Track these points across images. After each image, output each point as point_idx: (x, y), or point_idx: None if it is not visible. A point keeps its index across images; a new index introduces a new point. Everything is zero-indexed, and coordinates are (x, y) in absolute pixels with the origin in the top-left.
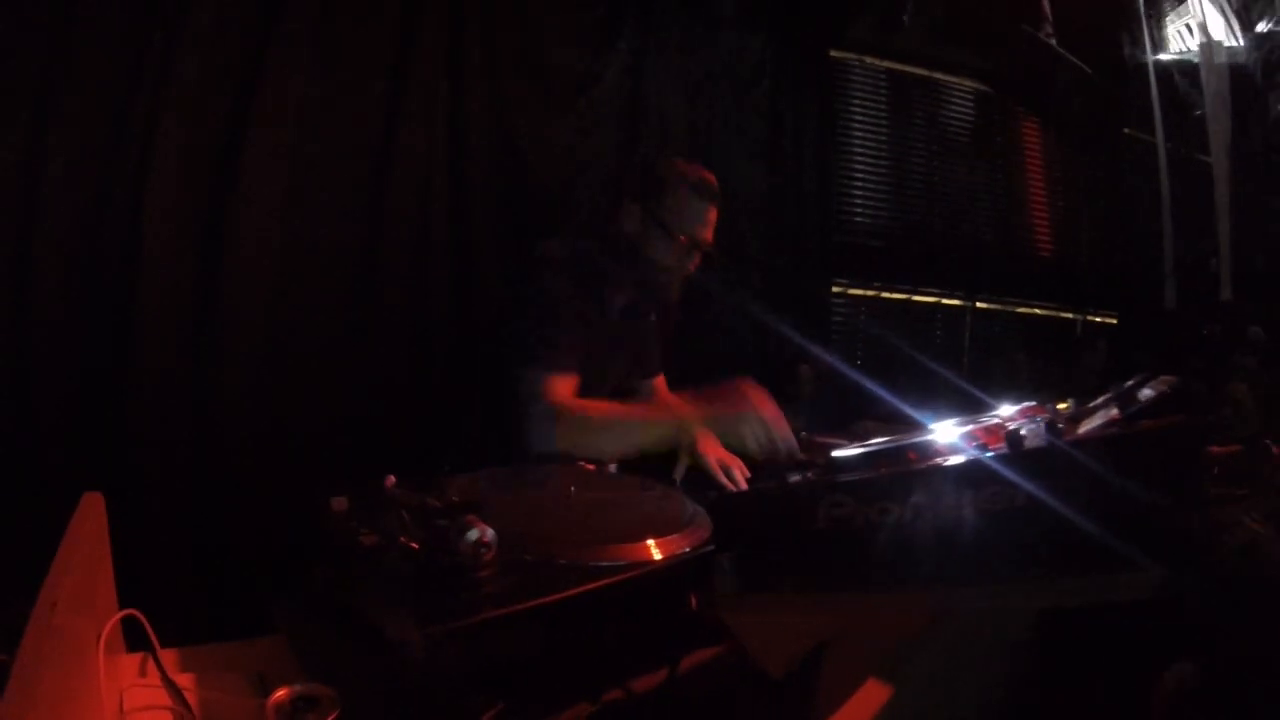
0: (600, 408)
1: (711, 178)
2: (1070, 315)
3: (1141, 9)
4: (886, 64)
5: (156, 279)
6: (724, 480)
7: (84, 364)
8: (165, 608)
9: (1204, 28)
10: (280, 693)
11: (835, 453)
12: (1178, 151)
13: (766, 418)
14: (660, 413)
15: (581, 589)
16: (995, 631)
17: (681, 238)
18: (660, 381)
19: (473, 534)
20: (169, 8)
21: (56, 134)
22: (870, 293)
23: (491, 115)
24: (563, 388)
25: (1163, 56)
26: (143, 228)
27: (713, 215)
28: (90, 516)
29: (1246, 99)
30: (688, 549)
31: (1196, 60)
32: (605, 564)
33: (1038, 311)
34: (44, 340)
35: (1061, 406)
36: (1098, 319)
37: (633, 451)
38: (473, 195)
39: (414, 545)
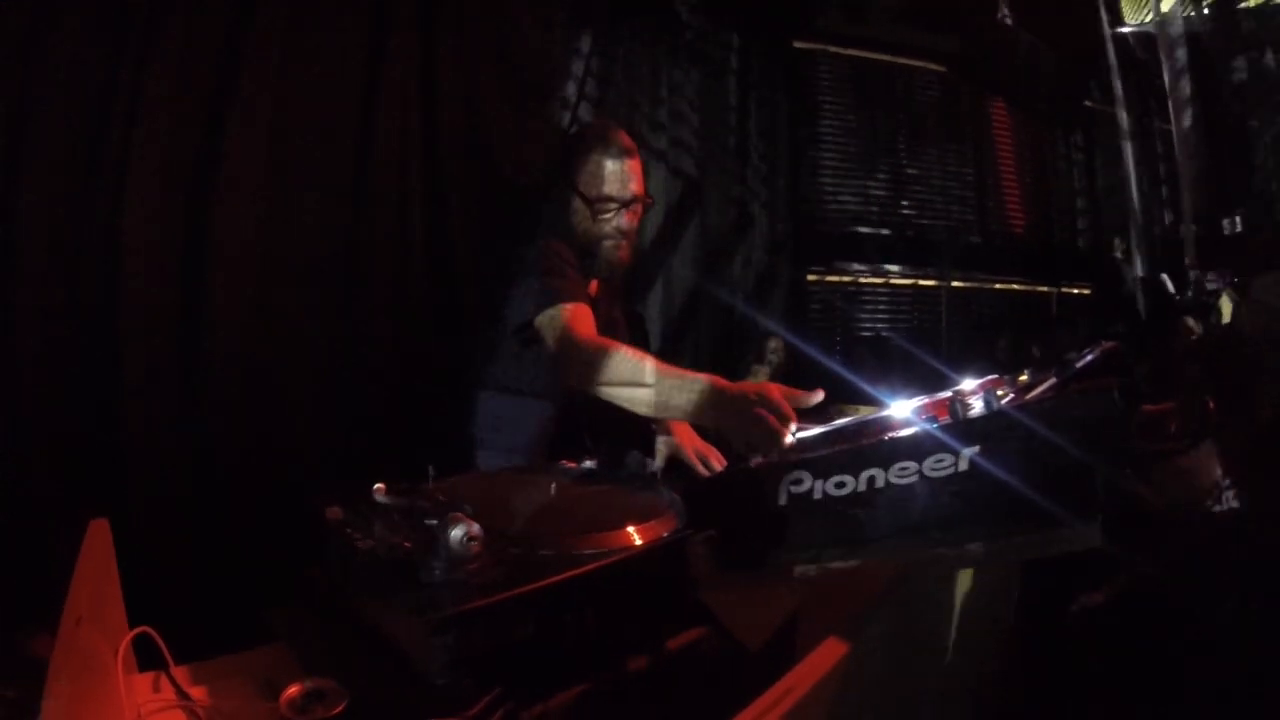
0: (623, 347)
1: (621, 132)
2: (1046, 289)
3: None
4: (851, 52)
5: (139, 291)
6: (701, 469)
7: (68, 381)
8: (165, 625)
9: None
10: (291, 689)
11: (794, 434)
12: (1141, 121)
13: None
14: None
15: (565, 575)
16: (948, 585)
17: (607, 201)
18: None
19: (459, 529)
20: (140, 17)
21: (31, 145)
22: (846, 279)
23: (463, 111)
24: (584, 318)
25: (1121, 29)
26: (122, 239)
27: (634, 166)
28: (99, 542)
29: (1205, 66)
30: (664, 534)
31: (1154, 31)
32: (586, 552)
33: (1014, 287)
34: (29, 357)
35: (1022, 378)
36: (1073, 290)
37: (652, 400)
38: (449, 193)
39: (406, 545)
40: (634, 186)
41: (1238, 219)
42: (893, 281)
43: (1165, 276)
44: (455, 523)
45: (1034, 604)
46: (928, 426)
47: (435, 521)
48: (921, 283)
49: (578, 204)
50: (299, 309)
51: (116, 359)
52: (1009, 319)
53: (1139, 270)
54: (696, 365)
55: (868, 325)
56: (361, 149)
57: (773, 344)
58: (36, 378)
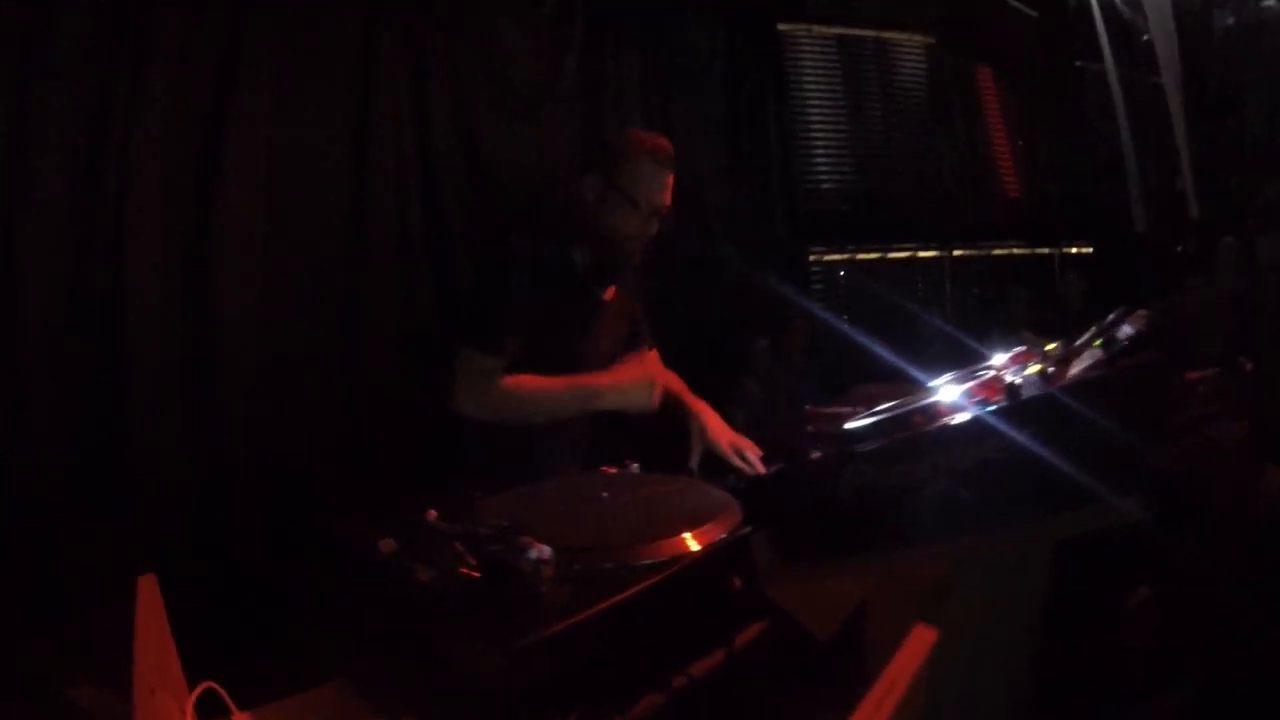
0: (526, 384)
1: (668, 144)
2: (1047, 251)
3: None
4: (836, 30)
5: (142, 309)
6: (739, 463)
7: (74, 394)
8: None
9: None
10: None
11: (847, 425)
12: (1130, 77)
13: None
14: (597, 383)
15: (636, 590)
16: (1013, 567)
17: (642, 203)
18: (653, 356)
19: (533, 554)
20: (138, 25)
21: (35, 158)
22: (844, 256)
23: (456, 118)
24: (489, 365)
25: None
26: (126, 256)
27: (670, 180)
28: (150, 598)
29: (1191, 17)
30: (724, 535)
31: None
32: (651, 562)
33: (1015, 252)
34: (33, 371)
35: (1050, 349)
36: (1074, 250)
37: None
38: (445, 199)
39: (474, 574)
40: (667, 199)
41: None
42: (890, 256)
43: (1168, 229)
44: (526, 548)
45: (1073, 602)
46: (982, 411)
47: (503, 547)
48: (921, 254)
49: (617, 199)
50: (304, 320)
51: (121, 375)
52: (1012, 283)
53: (1140, 225)
54: (694, 354)
55: (873, 301)
56: (358, 160)
57: (793, 335)
58: (41, 390)
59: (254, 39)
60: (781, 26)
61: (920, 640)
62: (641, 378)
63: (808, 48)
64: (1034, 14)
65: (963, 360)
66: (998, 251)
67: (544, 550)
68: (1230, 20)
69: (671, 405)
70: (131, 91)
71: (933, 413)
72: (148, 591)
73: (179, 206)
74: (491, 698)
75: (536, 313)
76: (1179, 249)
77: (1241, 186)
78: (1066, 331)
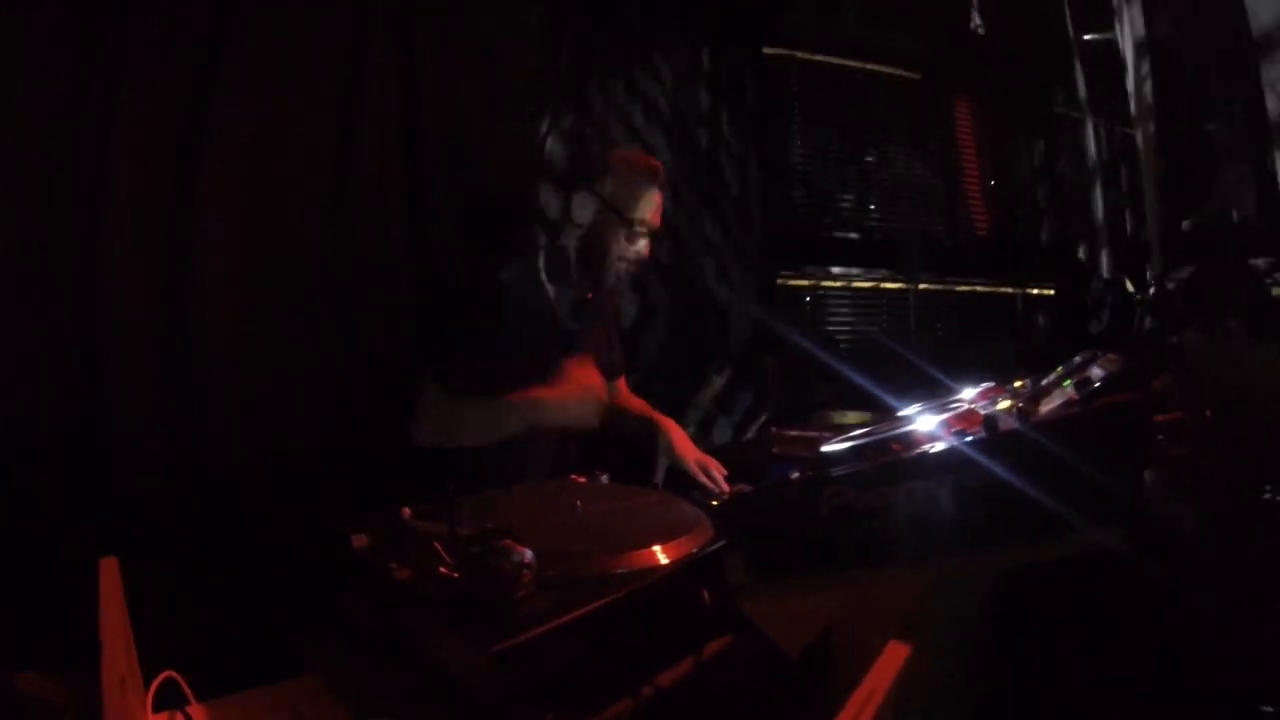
0: (472, 402)
1: (659, 164)
2: (1010, 290)
3: None
4: (819, 58)
5: (119, 315)
6: (704, 479)
7: (49, 403)
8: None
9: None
10: None
11: (824, 448)
12: (1105, 126)
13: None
14: (559, 393)
15: (614, 597)
16: (980, 591)
17: (637, 223)
18: (622, 383)
19: (514, 557)
20: (112, 31)
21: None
22: (810, 282)
23: (444, 123)
24: (446, 393)
25: (1087, 37)
26: (98, 265)
27: (659, 199)
28: (112, 584)
29: (1169, 72)
30: (698, 548)
31: (1118, 39)
32: (625, 570)
33: (979, 289)
34: (9, 391)
35: (1018, 385)
36: (1035, 292)
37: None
38: (429, 208)
39: (454, 575)
40: (658, 218)
41: (1193, 223)
42: (856, 285)
43: (1127, 278)
44: (508, 550)
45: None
46: (961, 442)
47: (482, 548)
48: (884, 285)
49: (612, 219)
50: (283, 321)
51: (96, 381)
52: (975, 320)
53: (1104, 272)
54: (665, 368)
55: (839, 328)
56: (343, 162)
57: (768, 363)
58: (11, 400)
59: (237, 36)
60: (768, 51)
61: (894, 655)
62: (586, 394)
63: (791, 73)
64: (1017, 56)
65: (927, 391)
66: (962, 288)
67: (526, 554)
68: (1206, 80)
69: (638, 421)
70: (106, 93)
71: (910, 440)
72: (109, 575)
73: (153, 212)
74: (469, 698)
75: (510, 343)
76: (1138, 296)
77: (1198, 241)
78: (1034, 369)
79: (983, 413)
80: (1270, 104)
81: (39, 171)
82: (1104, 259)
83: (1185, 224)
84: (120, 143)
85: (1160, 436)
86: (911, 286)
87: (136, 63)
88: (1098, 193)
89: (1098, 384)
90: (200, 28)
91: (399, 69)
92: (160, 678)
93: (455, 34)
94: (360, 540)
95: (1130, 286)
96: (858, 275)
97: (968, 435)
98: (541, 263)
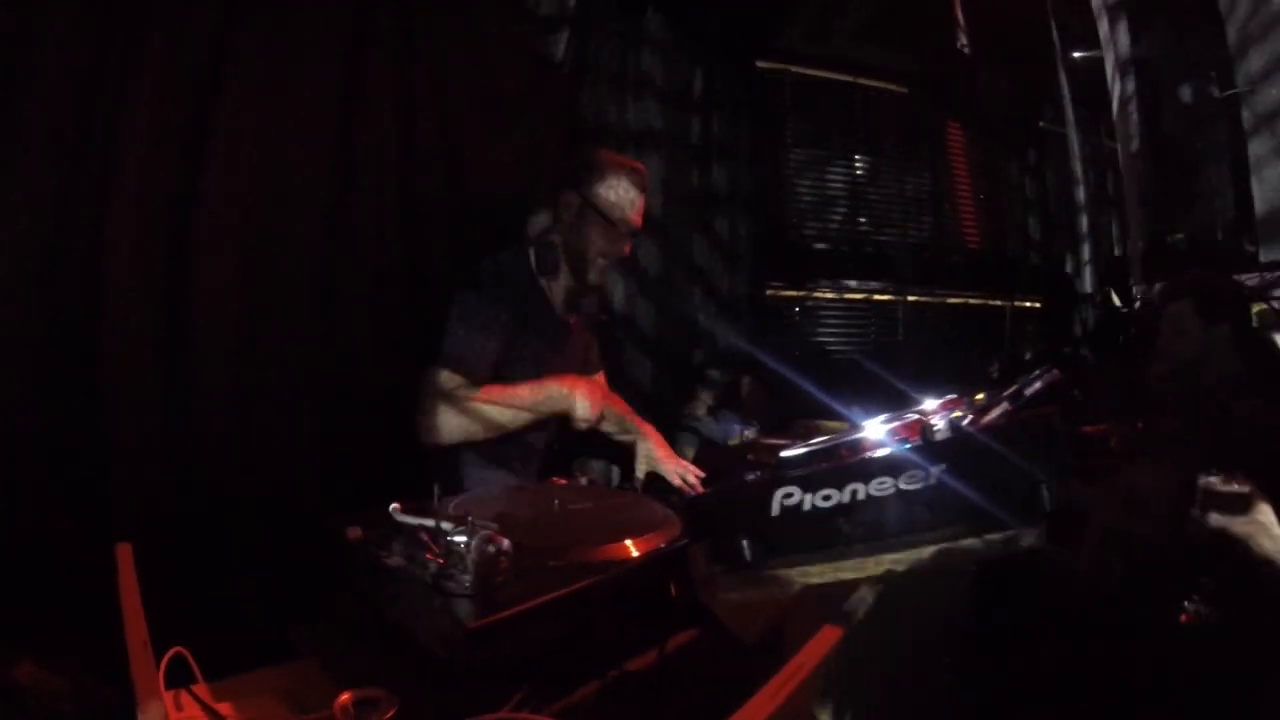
0: (483, 394)
1: (642, 167)
2: (999, 303)
3: (1050, 9)
4: (813, 72)
5: (120, 319)
6: (680, 483)
7: (49, 404)
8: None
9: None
10: (343, 697)
11: (783, 453)
12: (1090, 142)
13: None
14: (551, 386)
15: (584, 584)
16: (920, 584)
17: (616, 222)
18: (601, 378)
19: (492, 546)
20: (118, 41)
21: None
22: (800, 293)
23: (440, 128)
24: (451, 380)
25: (1074, 55)
26: (102, 269)
27: (642, 203)
28: (128, 567)
29: (1152, 90)
30: (665, 544)
31: (1104, 57)
32: (597, 561)
33: (969, 301)
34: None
35: (978, 397)
36: (1025, 304)
37: (520, 423)
38: (425, 218)
39: (439, 561)
40: (639, 220)
41: (1179, 237)
42: (847, 296)
43: (1112, 291)
44: (487, 540)
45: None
46: (901, 447)
47: (465, 539)
48: (876, 297)
49: (594, 217)
50: (283, 337)
51: (95, 384)
52: (965, 332)
53: (1088, 286)
54: (651, 380)
55: (827, 340)
56: (341, 167)
57: (746, 383)
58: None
59: (238, 45)
60: (761, 65)
61: (825, 638)
62: (589, 390)
63: (785, 87)
64: (1006, 74)
65: (902, 402)
66: (952, 300)
67: (503, 543)
68: (1190, 98)
69: (617, 426)
70: (115, 97)
71: (859, 447)
72: (125, 559)
73: (156, 222)
74: (449, 673)
75: (506, 335)
76: (1123, 310)
77: (1180, 256)
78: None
79: (927, 422)
80: (1246, 119)
81: (44, 177)
82: (1088, 272)
83: (1168, 239)
84: (125, 142)
85: (1089, 445)
86: (900, 298)
87: (145, 73)
88: (1083, 207)
89: (1029, 397)
90: (203, 39)
91: (397, 76)
92: (170, 653)
93: (454, 38)
94: (355, 532)
95: (1115, 299)
96: (847, 287)
97: (908, 442)
98: (532, 257)
